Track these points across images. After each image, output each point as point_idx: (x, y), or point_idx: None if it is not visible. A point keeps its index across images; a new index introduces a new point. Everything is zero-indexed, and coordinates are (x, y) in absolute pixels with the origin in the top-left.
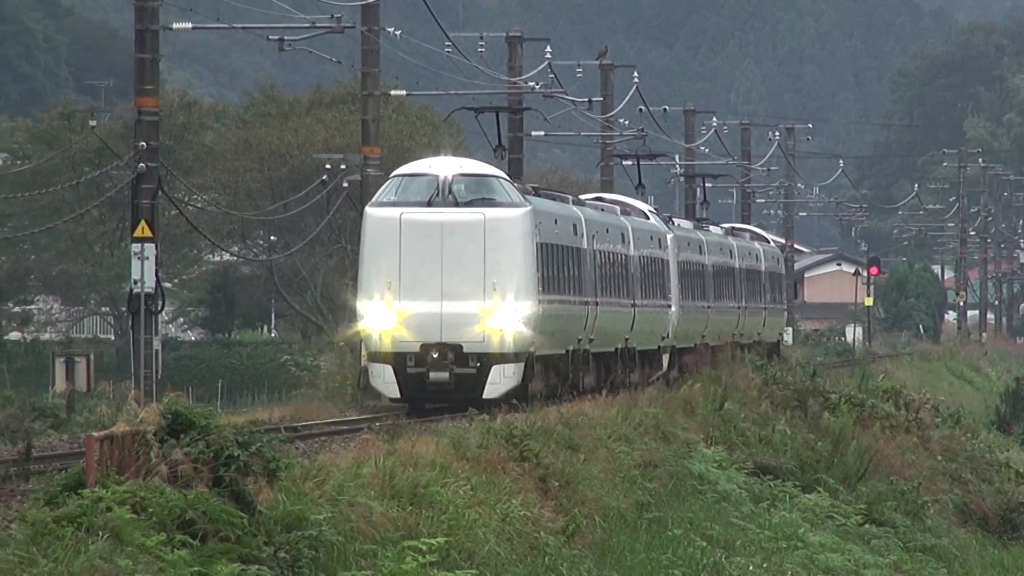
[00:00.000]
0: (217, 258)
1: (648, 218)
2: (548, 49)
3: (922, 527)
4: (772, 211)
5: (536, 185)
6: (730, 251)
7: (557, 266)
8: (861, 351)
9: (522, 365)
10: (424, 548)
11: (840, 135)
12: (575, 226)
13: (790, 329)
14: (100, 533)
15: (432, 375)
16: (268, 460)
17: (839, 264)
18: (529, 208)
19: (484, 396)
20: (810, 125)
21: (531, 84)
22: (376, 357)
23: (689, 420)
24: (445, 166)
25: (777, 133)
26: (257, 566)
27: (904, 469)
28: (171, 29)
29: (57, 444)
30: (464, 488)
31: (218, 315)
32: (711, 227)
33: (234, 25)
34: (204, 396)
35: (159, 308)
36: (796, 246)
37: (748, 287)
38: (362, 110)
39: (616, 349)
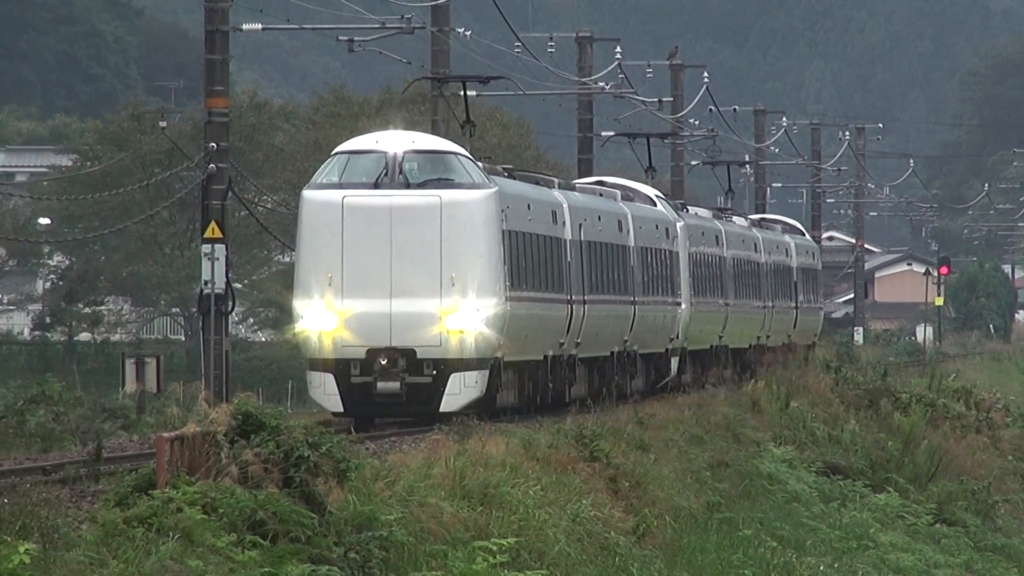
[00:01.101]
0: (287, 259)
1: (655, 205)
2: (618, 49)
3: (993, 527)
4: (842, 211)
5: (510, 166)
6: (754, 244)
7: (531, 258)
8: (931, 351)
9: (486, 373)
10: (494, 548)
11: (910, 135)
12: (555, 213)
13: (860, 329)
14: (171, 534)
15: (380, 385)
16: (338, 460)
17: (909, 264)
18: (493, 190)
19: (441, 409)
20: (880, 125)
21: (601, 84)
22: (315, 364)
23: (758, 419)
24: (394, 141)
25: (847, 133)
26: (327, 567)
27: (975, 469)
28: (241, 30)
29: (127, 445)
30: (534, 488)
31: (288, 316)
32: (735, 217)
33: (304, 26)
34: (274, 397)
35: (229, 309)
36: (866, 245)
37: (776, 284)
38: (431, 111)
39: (612, 353)
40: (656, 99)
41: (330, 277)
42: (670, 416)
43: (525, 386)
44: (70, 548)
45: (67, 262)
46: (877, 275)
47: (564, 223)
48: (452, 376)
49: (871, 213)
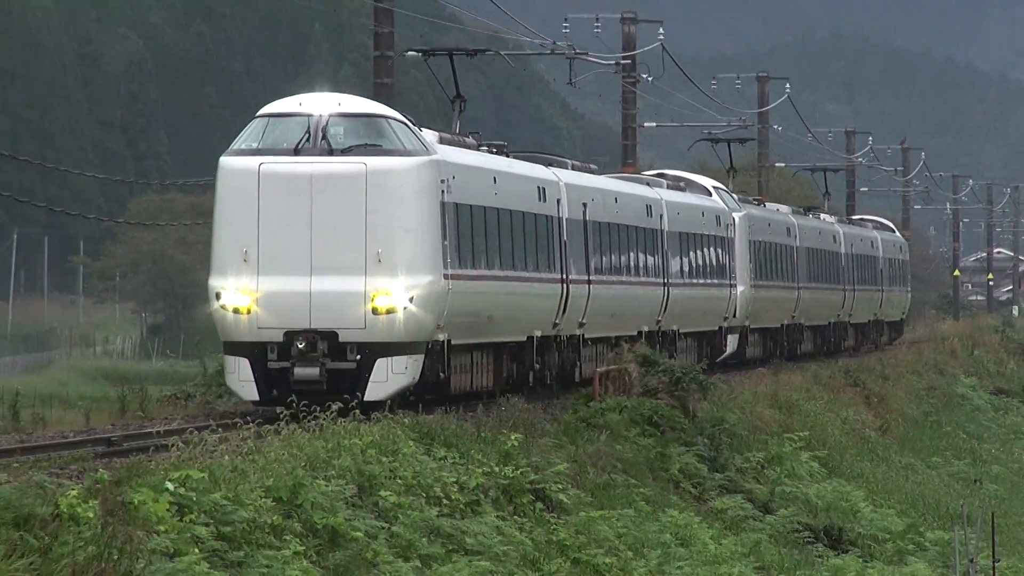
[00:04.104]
0: None
1: (711, 195)
2: (870, 138)
3: None
4: (1007, 236)
5: (502, 143)
6: (833, 236)
7: (495, 234)
8: None
9: (419, 358)
10: (795, 438)
11: None
12: (541, 190)
13: (1017, 307)
14: (602, 429)
15: (298, 371)
16: (701, 383)
17: None
18: (429, 158)
19: (366, 398)
20: None
21: (860, 160)
22: (230, 348)
23: (954, 361)
24: (320, 103)
25: (1009, 189)
26: (695, 448)
27: None
28: (643, 126)
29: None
30: (819, 402)
31: None
32: (823, 215)
33: (682, 124)
34: None
35: None
36: (1020, 256)
37: (859, 270)
38: (758, 175)
39: (640, 332)
40: (892, 168)
41: (245, 252)
42: (902, 359)
43: (503, 367)
44: (541, 437)
45: None
46: None
47: (558, 201)
48: (378, 361)
49: None
